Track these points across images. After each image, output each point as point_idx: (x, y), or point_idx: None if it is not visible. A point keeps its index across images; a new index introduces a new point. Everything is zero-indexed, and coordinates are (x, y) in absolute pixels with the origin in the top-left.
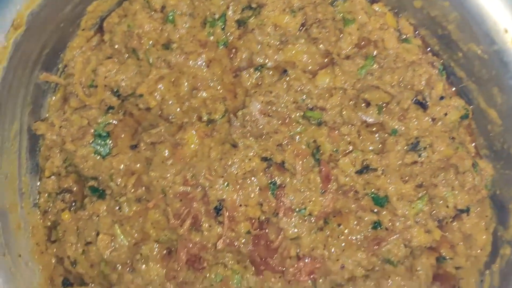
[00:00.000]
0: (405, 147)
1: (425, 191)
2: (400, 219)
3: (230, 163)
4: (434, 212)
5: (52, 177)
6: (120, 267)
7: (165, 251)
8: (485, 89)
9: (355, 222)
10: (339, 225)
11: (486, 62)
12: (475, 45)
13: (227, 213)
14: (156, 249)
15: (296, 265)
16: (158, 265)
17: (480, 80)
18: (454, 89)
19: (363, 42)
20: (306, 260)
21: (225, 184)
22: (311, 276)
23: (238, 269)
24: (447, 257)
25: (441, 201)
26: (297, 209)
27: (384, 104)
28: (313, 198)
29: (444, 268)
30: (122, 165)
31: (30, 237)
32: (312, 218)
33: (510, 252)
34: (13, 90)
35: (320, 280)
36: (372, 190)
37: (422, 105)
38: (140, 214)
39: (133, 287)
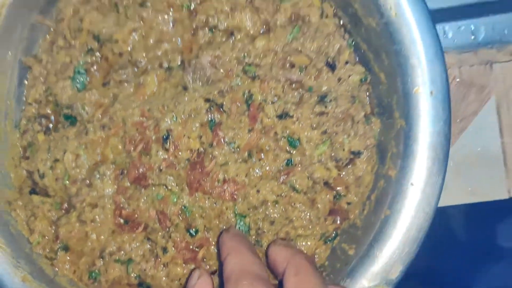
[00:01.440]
0: (316, 99)
1: (328, 137)
2: (307, 158)
3: (180, 101)
4: (333, 154)
5: (34, 104)
6: (80, 182)
7: (118, 171)
8: (378, 56)
9: (272, 158)
10: (260, 159)
11: (378, 33)
12: (372, 19)
13: (173, 142)
14: (112, 169)
15: (221, 187)
16: (111, 182)
17: (375, 49)
18: (358, 58)
19: (293, 16)
20: (231, 184)
21: (174, 118)
22: (233, 196)
23: (176, 190)
24: (342, 194)
25: (339, 146)
26: (228, 141)
27: (305, 67)
28: (242, 134)
29: (339, 204)
30: (94, 98)
31: (8, 152)
32: (239, 150)
33: (383, 183)
34: (12, 25)
35: (240, 200)
36: (288, 132)
37: (331, 67)
38: (102, 139)
39: (88, 198)
